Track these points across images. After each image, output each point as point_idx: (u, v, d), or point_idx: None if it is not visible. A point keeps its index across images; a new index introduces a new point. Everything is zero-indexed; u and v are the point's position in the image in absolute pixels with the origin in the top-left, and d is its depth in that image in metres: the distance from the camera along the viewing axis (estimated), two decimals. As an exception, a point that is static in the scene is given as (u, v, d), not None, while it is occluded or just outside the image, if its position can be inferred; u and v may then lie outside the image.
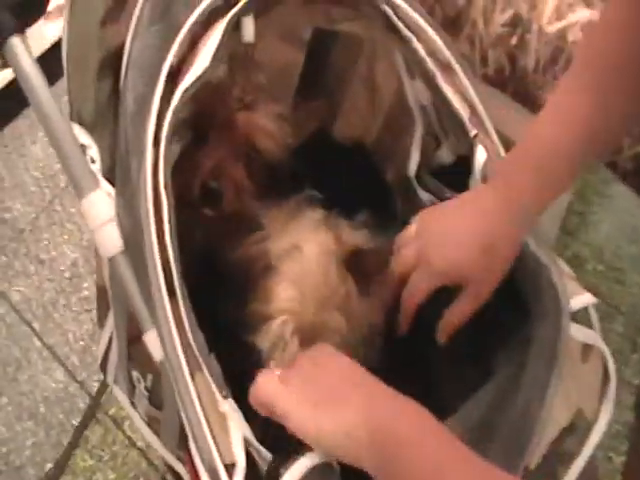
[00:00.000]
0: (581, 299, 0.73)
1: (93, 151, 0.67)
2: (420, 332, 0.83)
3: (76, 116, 0.70)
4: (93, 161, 0.67)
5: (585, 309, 0.73)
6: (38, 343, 1.65)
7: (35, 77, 0.65)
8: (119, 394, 0.98)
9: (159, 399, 0.84)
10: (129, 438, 1.53)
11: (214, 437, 0.64)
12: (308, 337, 0.76)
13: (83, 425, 1.54)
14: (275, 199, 0.84)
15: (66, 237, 1.79)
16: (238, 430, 0.64)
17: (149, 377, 0.86)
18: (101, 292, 0.90)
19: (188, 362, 0.64)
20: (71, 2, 0.70)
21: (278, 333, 0.76)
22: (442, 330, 0.79)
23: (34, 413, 1.57)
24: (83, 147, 0.67)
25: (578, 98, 0.67)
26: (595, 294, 0.73)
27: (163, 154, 0.63)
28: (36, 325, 1.67)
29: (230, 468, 0.63)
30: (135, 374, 0.88)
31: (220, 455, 0.63)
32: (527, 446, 0.64)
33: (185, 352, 0.64)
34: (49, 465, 1.52)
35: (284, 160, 0.87)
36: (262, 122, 0.83)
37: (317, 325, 0.76)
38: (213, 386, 0.64)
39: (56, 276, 1.74)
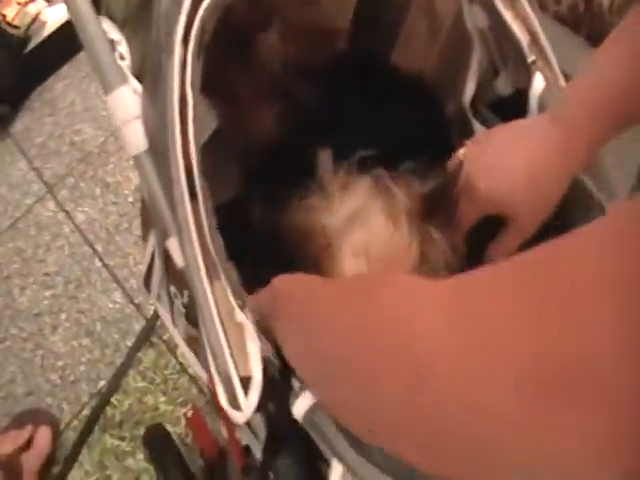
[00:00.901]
0: None
1: (123, 47, 0.65)
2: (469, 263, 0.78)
3: (106, 10, 0.67)
4: (122, 58, 0.65)
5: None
6: (99, 264, 1.67)
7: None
8: (162, 312, 0.97)
9: (195, 316, 0.83)
10: (181, 364, 1.54)
11: (230, 348, 0.61)
12: None
13: (137, 346, 1.55)
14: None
15: (131, 162, 1.78)
16: (255, 342, 0.61)
17: (185, 293, 0.84)
18: (144, 205, 0.88)
19: (207, 268, 0.61)
20: None
21: None
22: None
23: (91, 331, 1.60)
24: (112, 42, 0.64)
25: None
26: None
27: (192, 52, 0.60)
28: (98, 246, 1.70)
29: (246, 381, 0.61)
30: (173, 290, 0.87)
31: (236, 367, 0.61)
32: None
33: (204, 258, 0.61)
34: (102, 382, 1.55)
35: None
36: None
37: None
38: (230, 294, 0.61)
39: (120, 199, 1.75)
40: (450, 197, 0.74)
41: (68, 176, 1.80)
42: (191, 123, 0.59)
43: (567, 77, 0.79)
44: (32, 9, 1.82)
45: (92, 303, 1.63)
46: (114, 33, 0.65)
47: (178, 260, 0.66)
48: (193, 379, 1.52)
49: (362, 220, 0.75)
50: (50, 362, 1.59)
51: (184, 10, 0.59)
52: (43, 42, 1.87)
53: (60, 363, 1.58)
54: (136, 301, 1.62)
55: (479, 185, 0.70)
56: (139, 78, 0.65)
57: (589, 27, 1.11)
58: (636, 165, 1.38)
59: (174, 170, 0.60)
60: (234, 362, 0.61)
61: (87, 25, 0.63)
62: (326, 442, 0.56)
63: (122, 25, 0.66)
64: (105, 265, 1.66)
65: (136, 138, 0.64)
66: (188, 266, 0.62)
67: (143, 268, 0.96)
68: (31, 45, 1.86)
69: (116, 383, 1.53)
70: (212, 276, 0.62)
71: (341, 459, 0.56)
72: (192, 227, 0.60)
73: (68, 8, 0.63)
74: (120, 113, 0.64)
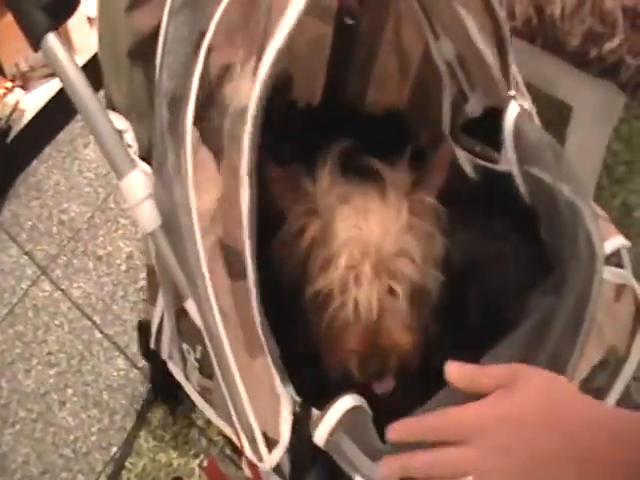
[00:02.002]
0: (614, 242, 0.76)
1: (129, 135, 0.72)
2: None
3: (111, 103, 0.75)
4: (130, 145, 0.72)
5: (617, 250, 0.76)
6: (99, 335, 1.73)
7: (71, 69, 0.70)
8: (174, 369, 1.03)
9: (209, 369, 0.89)
10: (189, 418, 1.59)
11: (255, 411, 0.69)
12: (381, 264, 0.77)
13: (145, 409, 1.61)
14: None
15: (121, 232, 1.86)
16: (289, 410, 0.67)
17: (198, 348, 0.90)
18: (150, 271, 0.95)
19: (249, 343, 0.68)
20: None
21: (348, 262, 0.76)
22: None
23: (98, 401, 1.65)
24: (120, 132, 0.72)
25: None
26: None
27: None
28: (96, 318, 1.75)
29: (273, 443, 0.68)
30: (185, 347, 0.93)
31: (259, 425, 0.69)
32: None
33: (249, 335, 0.68)
34: (114, 449, 1.59)
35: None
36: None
37: (388, 249, 0.77)
38: (272, 367, 0.68)
39: (113, 269, 1.81)
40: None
41: (60, 255, 1.86)
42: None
43: (529, 85, 0.87)
44: (11, 99, 1.89)
45: (97, 374, 1.68)
46: (120, 123, 0.73)
47: (197, 320, 0.73)
48: (202, 430, 1.57)
49: (353, 198, 0.81)
50: (61, 437, 1.63)
51: (193, 90, 0.65)
52: (23, 129, 1.94)
53: (71, 437, 1.62)
54: (139, 365, 1.67)
55: None
56: (146, 160, 0.73)
57: (544, 37, 1.17)
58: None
59: (191, 248, 0.67)
60: (258, 423, 0.69)
61: (96, 121, 0.70)
62: (348, 462, 0.63)
63: (127, 113, 0.74)
64: (105, 335, 1.72)
65: (149, 217, 0.71)
66: (207, 328, 0.69)
67: (152, 330, 1.02)
68: (12, 134, 1.93)
69: (128, 447, 1.58)
70: (256, 351, 0.68)
71: (364, 476, 0.62)
72: (212, 299, 0.67)
73: (77, 107, 0.71)
74: (132, 196, 0.71)
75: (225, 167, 0.63)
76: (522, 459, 0.53)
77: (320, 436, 0.64)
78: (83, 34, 1.83)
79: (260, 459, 0.69)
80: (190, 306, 0.73)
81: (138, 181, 0.71)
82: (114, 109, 0.74)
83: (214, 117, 0.64)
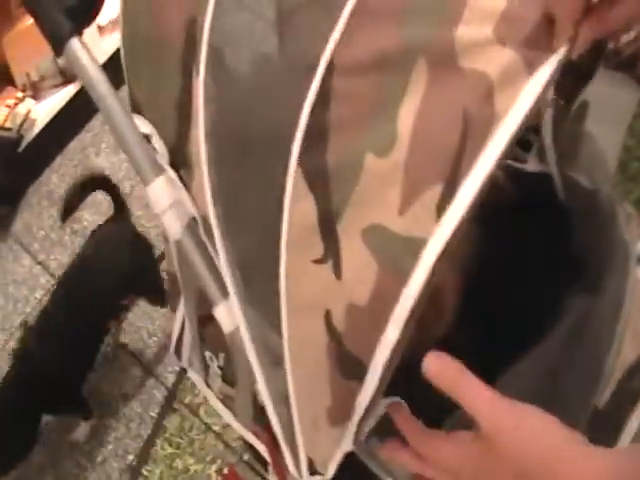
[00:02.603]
0: None
1: (155, 139, 0.71)
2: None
3: (136, 107, 0.74)
4: (156, 150, 0.71)
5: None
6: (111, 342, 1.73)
7: (96, 74, 0.69)
8: (193, 376, 1.02)
9: (232, 377, 0.89)
10: (205, 424, 1.59)
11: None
12: None
13: (161, 416, 1.60)
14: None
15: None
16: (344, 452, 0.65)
17: (221, 356, 0.90)
18: (172, 278, 0.94)
19: None
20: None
21: None
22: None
23: (114, 410, 1.65)
24: (146, 137, 0.71)
25: None
26: None
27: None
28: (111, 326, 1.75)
29: (315, 470, 0.69)
30: (208, 354, 0.93)
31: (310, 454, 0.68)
32: (596, 387, 0.66)
33: None
34: (131, 457, 1.59)
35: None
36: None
37: None
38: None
39: (127, 279, 1.81)
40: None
41: (73, 264, 1.86)
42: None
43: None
44: (22, 109, 1.90)
45: (112, 383, 1.68)
46: (145, 127, 0.72)
47: (226, 326, 0.72)
48: (219, 436, 1.57)
49: None
50: (77, 447, 1.63)
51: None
52: (35, 139, 1.95)
53: (87, 447, 1.62)
54: (155, 372, 1.67)
55: None
56: (174, 165, 0.72)
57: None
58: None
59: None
60: (305, 449, 0.68)
61: (121, 125, 0.69)
62: (380, 465, 0.63)
63: (156, 123, 0.73)
64: (120, 344, 1.72)
65: (175, 225, 0.70)
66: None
67: (173, 337, 1.02)
68: (24, 144, 1.94)
69: (145, 454, 1.57)
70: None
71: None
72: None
73: (102, 112, 0.70)
74: (159, 203, 0.70)
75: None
76: None
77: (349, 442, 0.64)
78: (93, 43, 1.83)
79: (300, 475, 0.69)
80: (220, 313, 0.72)
81: (163, 188, 0.70)
82: (140, 113, 0.73)
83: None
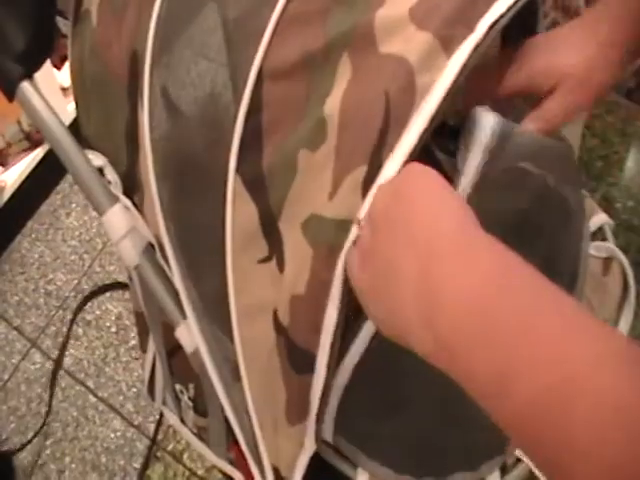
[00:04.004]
0: (598, 219, 0.79)
1: (108, 170, 0.74)
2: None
3: (87, 142, 0.77)
4: (109, 182, 0.74)
5: (600, 227, 0.79)
6: (93, 399, 1.72)
7: (48, 115, 0.72)
8: (169, 414, 1.03)
9: (203, 406, 0.90)
10: (189, 469, 1.58)
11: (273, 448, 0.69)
12: None
13: (144, 466, 1.60)
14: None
15: (108, 295, 1.87)
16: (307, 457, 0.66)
17: (191, 386, 0.92)
18: (139, 318, 0.96)
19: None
20: (72, 35, 0.78)
21: None
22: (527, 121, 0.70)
23: (97, 465, 1.64)
24: (100, 169, 0.74)
25: None
26: (628, 228, 0.78)
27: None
28: (90, 383, 1.75)
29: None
30: (178, 387, 0.94)
31: (275, 463, 0.69)
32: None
33: None
34: (116, 511, 1.58)
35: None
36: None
37: None
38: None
39: (103, 333, 1.82)
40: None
41: (49, 325, 1.86)
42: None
43: None
44: (-10, 176, 1.93)
45: (93, 438, 1.67)
46: (98, 160, 0.75)
47: (188, 346, 0.74)
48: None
49: None
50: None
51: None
52: (5, 205, 1.96)
53: (71, 504, 1.61)
54: (135, 423, 1.67)
55: (538, 59, 0.69)
56: (127, 192, 0.74)
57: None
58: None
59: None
60: (269, 458, 0.70)
61: (74, 160, 0.72)
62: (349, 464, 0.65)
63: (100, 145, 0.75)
64: (100, 398, 1.72)
65: (133, 251, 0.73)
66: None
67: (145, 377, 1.03)
68: (-6, 210, 1.96)
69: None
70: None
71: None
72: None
73: (55, 150, 0.73)
74: (115, 231, 0.73)
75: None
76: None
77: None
78: (58, 104, 1.87)
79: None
80: (181, 333, 0.74)
81: (119, 216, 0.73)
82: (91, 147, 0.76)
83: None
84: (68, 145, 0.73)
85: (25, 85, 0.73)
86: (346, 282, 0.53)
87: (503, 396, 0.36)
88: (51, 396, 1.58)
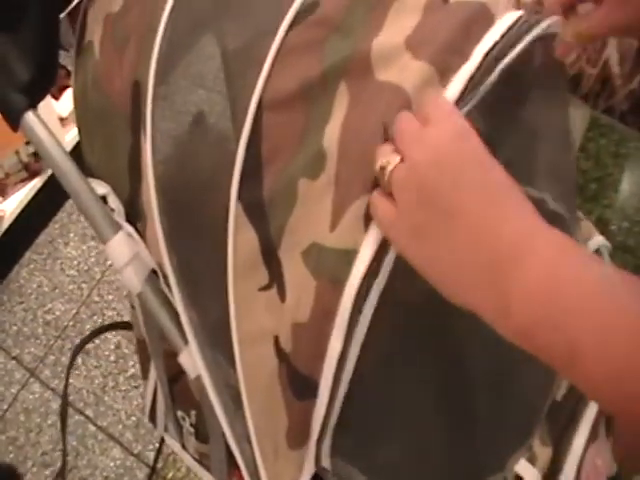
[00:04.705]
0: (595, 241, 0.80)
1: (111, 198, 0.75)
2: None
3: (90, 170, 0.78)
4: (112, 209, 0.75)
5: (597, 250, 0.80)
6: (93, 428, 1.72)
7: (52, 144, 0.73)
8: (170, 441, 1.04)
9: (205, 433, 0.90)
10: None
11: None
12: None
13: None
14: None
15: (107, 324, 1.88)
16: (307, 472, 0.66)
17: (192, 413, 0.92)
18: (141, 345, 0.96)
19: None
20: (75, 66, 0.79)
21: None
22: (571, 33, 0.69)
23: (97, 495, 1.64)
24: (103, 197, 0.75)
25: None
26: (624, 250, 0.80)
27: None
28: (89, 412, 1.75)
29: None
30: (180, 414, 0.94)
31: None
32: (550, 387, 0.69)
33: None
34: (118, 541, 1.57)
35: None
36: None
37: None
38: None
39: (102, 362, 1.82)
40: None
41: (48, 355, 1.87)
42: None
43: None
44: (-11, 207, 1.94)
45: (93, 467, 1.67)
46: (101, 188, 0.75)
47: (191, 372, 0.74)
48: (204, 509, 1.55)
49: None
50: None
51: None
52: (3, 235, 1.97)
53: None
54: (135, 452, 1.67)
55: None
56: (130, 220, 0.75)
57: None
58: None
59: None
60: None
61: (78, 189, 0.73)
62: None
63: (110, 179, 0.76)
64: (99, 427, 1.72)
65: (136, 278, 0.73)
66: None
67: (147, 403, 1.03)
68: (-8, 241, 1.97)
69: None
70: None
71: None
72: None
73: (59, 178, 0.74)
74: (118, 259, 0.73)
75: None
76: None
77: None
78: (56, 134, 1.88)
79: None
80: (185, 359, 0.74)
81: (122, 244, 0.73)
82: (95, 176, 0.77)
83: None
84: (72, 173, 0.74)
85: (29, 115, 0.74)
86: (353, 313, 0.54)
87: None
88: (64, 440, 1.57)
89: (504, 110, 0.60)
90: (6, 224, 1.97)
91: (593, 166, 1.87)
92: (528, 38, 0.54)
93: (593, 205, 1.83)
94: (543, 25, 0.55)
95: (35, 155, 1.93)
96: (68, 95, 1.96)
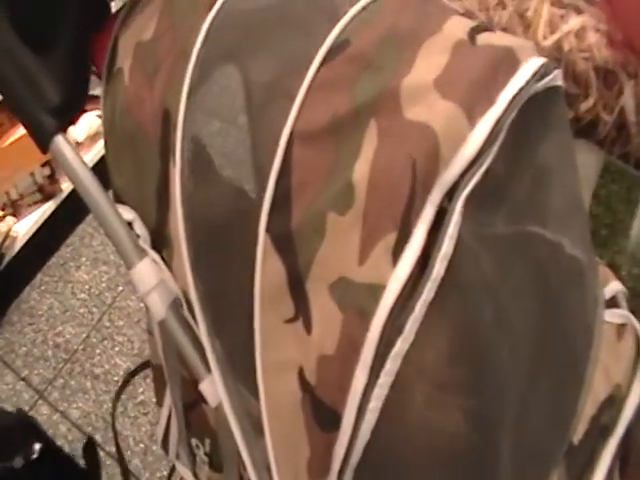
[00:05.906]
0: (612, 287, 0.81)
1: (137, 224, 0.75)
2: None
3: (117, 196, 0.79)
4: (138, 235, 0.75)
5: (614, 296, 0.81)
6: (101, 453, 1.71)
7: (80, 167, 0.74)
8: (181, 469, 1.03)
9: (219, 462, 0.90)
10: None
11: None
12: None
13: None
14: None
15: (117, 349, 1.88)
16: None
17: (207, 442, 0.91)
18: (157, 371, 0.96)
19: None
20: (104, 92, 0.80)
21: None
22: None
23: (103, 520, 1.63)
24: (129, 223, 0.75)
25: None
26: (635, 295, 0.80)
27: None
28: (97, 437, 1.74)
29: None
30: (194, 441, 0.94)
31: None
32: (569, 425, 0.69)
33: None
34: None
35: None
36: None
37: None
38: None
39: (111, 387, 1.82)
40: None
41: (57, 378, 1.87)
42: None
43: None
44: (2, 227, 1.94)
45: (100, 494, 1.66)
46: (128, 214, 0.76)
47: (212, 400, 0.74)
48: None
49: None
50: None
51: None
52: (16, 256, 1.98)
53: None
54: (142, 479, 1.66)
55: None
56: (156, 247, 0.75)
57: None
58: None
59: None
60: None
61: (106, 215, 0.74)
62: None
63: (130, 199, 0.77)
64: (107, 453, 1.71)
65: (160, 304, 0.74)
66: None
67: (160, 430, 1.03)
68: (5, 261, 1.97)
69: None
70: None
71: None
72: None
73: (88, 204, 0.75)
74: (143, 285, 0.74)
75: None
76: None
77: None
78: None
79: None
80: (206, 387, 0.74)
81: (147, 270, 0.74)
82: (121, 201, 0.77)
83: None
84: (100, 198, 0.74)
85: (59, 138, 0.75)
86: (379, 346, 0.54)
87: None
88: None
89: (518, 151, 0.61)
90: (19, 245, 1.99)
91: (604, 212, 1.87)
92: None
93: (603, 251, 1.83)
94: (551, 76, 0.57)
95: (50, 178, 1.95)
96: (85, 120, 1.98)
